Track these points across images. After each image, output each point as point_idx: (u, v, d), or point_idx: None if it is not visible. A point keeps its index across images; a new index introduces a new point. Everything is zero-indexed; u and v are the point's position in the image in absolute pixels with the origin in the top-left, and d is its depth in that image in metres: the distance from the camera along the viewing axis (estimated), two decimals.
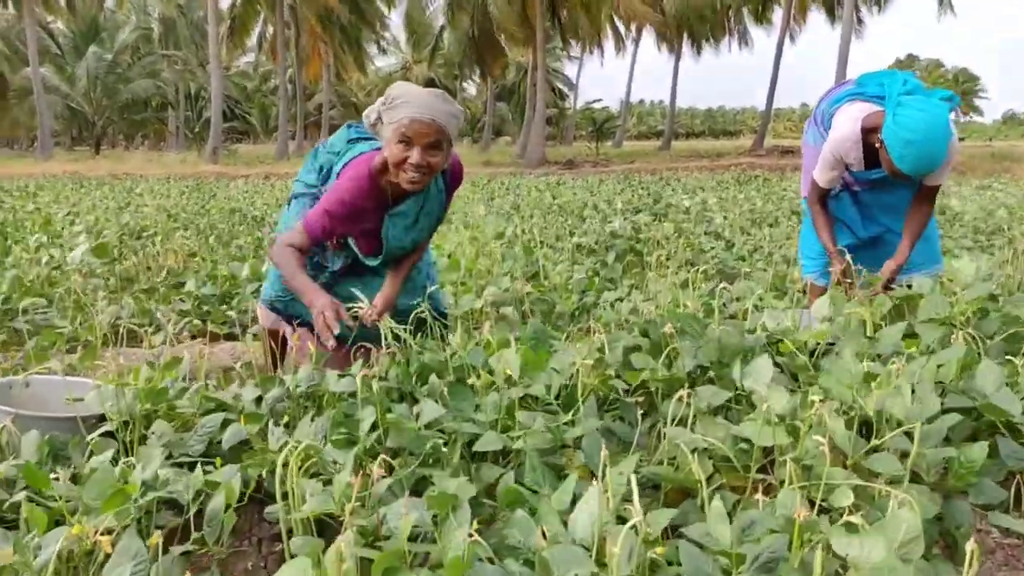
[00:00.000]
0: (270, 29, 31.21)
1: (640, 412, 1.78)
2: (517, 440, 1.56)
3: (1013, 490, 1.58)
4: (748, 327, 2.15)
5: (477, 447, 1.55)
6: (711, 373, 1.93)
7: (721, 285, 3.15)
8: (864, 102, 2.40)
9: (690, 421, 1.68)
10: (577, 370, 1.69)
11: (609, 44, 32.75)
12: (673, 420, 1.68)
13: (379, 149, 2.07)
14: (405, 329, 1.95)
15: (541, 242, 4.81)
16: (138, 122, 37.20)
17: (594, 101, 54.82)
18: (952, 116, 2.32)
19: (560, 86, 57.50)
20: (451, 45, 28.51)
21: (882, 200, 2.53)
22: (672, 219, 6.73)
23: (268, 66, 44.69)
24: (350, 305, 1.99)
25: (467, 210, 6.75)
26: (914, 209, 2.45)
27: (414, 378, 1.90)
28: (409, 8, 43.12)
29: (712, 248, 4.74)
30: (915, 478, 1.58)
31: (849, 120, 2.38)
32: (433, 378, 1.79)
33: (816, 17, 29.40)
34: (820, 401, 1.48)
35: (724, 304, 3.42)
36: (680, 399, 1.67)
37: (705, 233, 5.45)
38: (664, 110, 45.62)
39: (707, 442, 1.55)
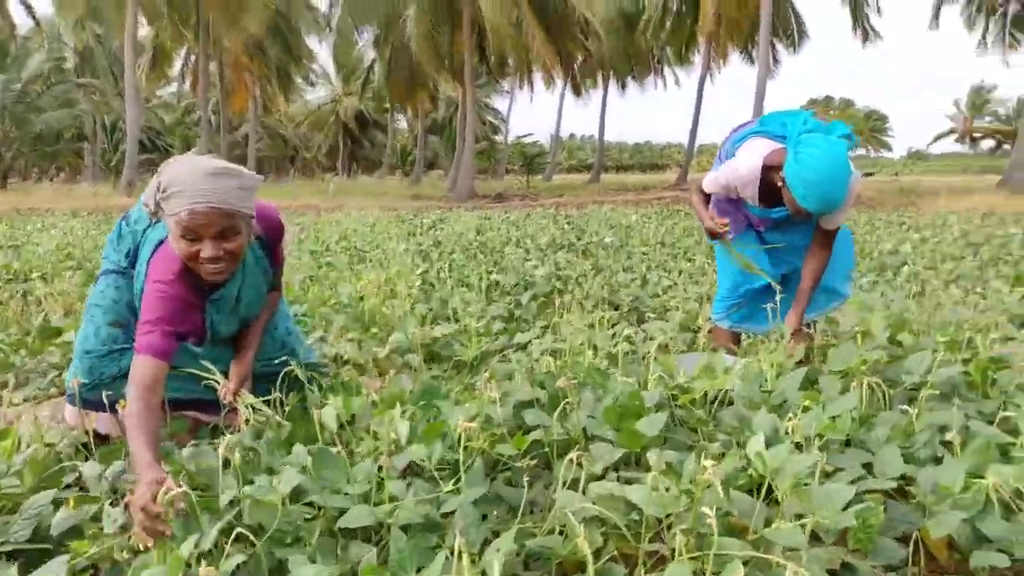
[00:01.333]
0: (194, 59, 30.52)
1: (530, 476, 1.66)
2: (391, 514, 1.41)
3: (912, 547, 1.53)
4: (650, 377, 2.07)
5: (342, 523, 1.39)
6: (608, 429, 1.82)
7: (628, 329, 3.10)
8: (767, 139, 2.39)
9: (582, 484, 1.57)
10: (460, 434, 1.55)
11: (539, 79, 33.29)
12: (564, 483, 1.56)
13: None
14: (268, 394, 1.77)
15: (460, 282, 4.68)
16: (51, 154, 35.54)
17: (525, 135, 55.48)
18: (855, 152, 2.33)
19: (491, 120, 58.15)
20: (380, 78, 28.39)
21: (788, 240, 2.50)
22: (593, 255, 6.72)
23: (192, 97, 43.60)
24: (206, 378, 1.81)
25: (385, 247, 6.57)
26: (812, 253, 2.44)
27: (285, 445, 1.73)
28: (339, 41, 42.99)
29: (630, 285, 4.71)
30: (815, 537, 1.51)
31: (751, 155, 2.36)
32: (298, 446, 1.62)
33: (736, 56, 30.63)
34: (712, 465, 1.39)
35: (632, 351, 3.36)
36: (572, 460, 1.56)
37: (624, 269, 5.43)
38: (595, 144, 46.62)
39: (597, 510, 1.44)
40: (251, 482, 1.49)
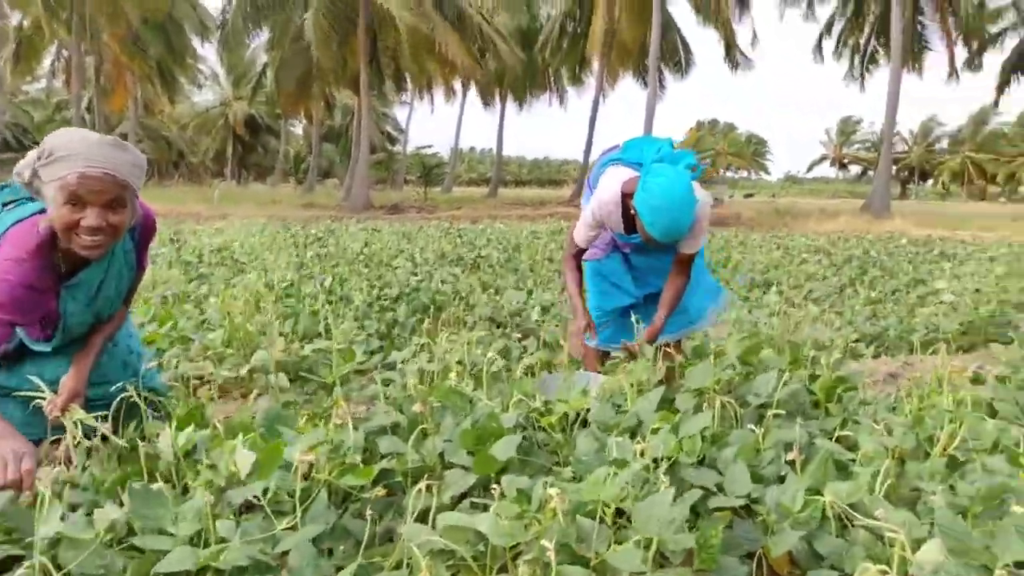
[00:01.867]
0: (67, 53, 28.42)
1: (379, 507, 1.59)
2: (217, 556, 1.31)
3: (755, 564, 1.57)
4: (512, 398, 2.04)
5: (159, 568, 1.27)
6: (465, 454, 1.78)
7: (506, 346, 3.08)
8: (625, 167, 2.44)
9: (432, 514, 1.52)
10: (300, 465, 1.46)
11: (440, 91, 33.25)
12: (414, 513, 1.50)
13: (44, 211, 1.70)
14: (99, 419, 1.62)
15: (339, 296, 4.53)
16: None
17: (425, 146, 55.25)
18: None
19: (390, 130, 57.50)
20: (273, 83, 27.45)
21: (651, 263, 2.57)
22: (481, 270, 6.71)
23: (66, 94, 40.65)
24: (33, 397, 1.63)
25: (265, 259, 6.31)
26: (670, 279, 2.51)
27: (114, 479, 1.58)
28: (230, 43, 41.29)
29: (515, 303, 4.71)
30: (664, 559, 1.52)
31: (611, 183, 2.40)
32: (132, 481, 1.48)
33: (629, 78, 31.74)
34: (558, 493, 1.37)
35: (507, 368, 3.35)
36: (421, 490, 1.50)
37: (512, 287, 5.44)
38: (494, 158, 47.13)
39: (443, 542, 1.39)
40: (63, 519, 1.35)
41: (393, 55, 20.70)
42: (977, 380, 2.77)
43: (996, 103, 30.11)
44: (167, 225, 10.84)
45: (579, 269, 2.64)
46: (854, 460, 1.98)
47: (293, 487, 1.52)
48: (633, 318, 2.41)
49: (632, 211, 2.28)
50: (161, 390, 2.11)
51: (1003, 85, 29.65)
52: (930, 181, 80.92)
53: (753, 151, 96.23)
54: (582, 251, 2.63)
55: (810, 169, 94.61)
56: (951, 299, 5.65)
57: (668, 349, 2.51)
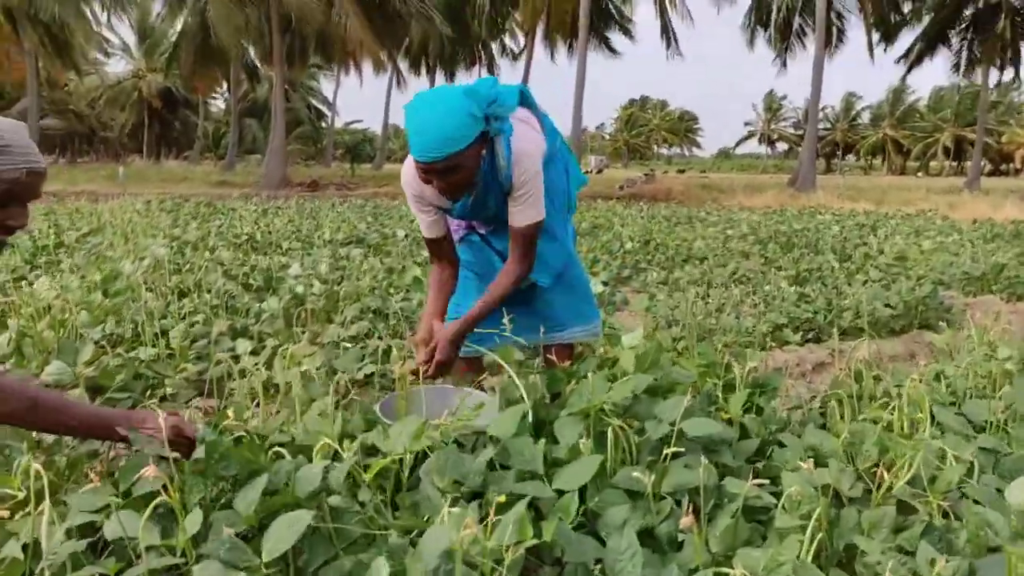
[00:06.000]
0: None
1: None
2: None
3: None
4: (321, 445, 1.51)
5: None
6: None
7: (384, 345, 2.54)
8: None
9: None
10: None
11: (368, 64, 31.92)
12: None
13: None
14: None
15: (195, 286, 3.87)
16: None
17: (354, 121, 53.55)
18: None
19: (318, 104, 55.45)
20: (185, 55, 25.70)
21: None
22: (385, 250, 6.13)
23: None
24: None
25: (142, 244, 5.55)
26: (506, 264, 2.00)
27: None
28: (140, 12, 38.86)
29: (406, 293, 4.17)
30: None
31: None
32: None
33: (563, 51, 31.14)
34: None
35: (384, 374, 2.81)
36: None
37: (419, 276, 4.86)
38: None
39: None
40: None
41: (307, 26, 19.47)
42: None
43: (904, 78, 30.94)
44: (54, 207, 9.83)
45: (441, 270, 2.11)
46: (777, 503, 1.53)
47: None
48: (506, 317, 1.91)
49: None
50: None
51: (913, 64, 30.51)
52: (852, 156, 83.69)
53: (685, 128, 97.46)
54: (441, 245, 2.09)
55: (738, 145, 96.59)
56: (878, 276, 5.38)
57: (550, 356, 2.00)
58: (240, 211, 8.47)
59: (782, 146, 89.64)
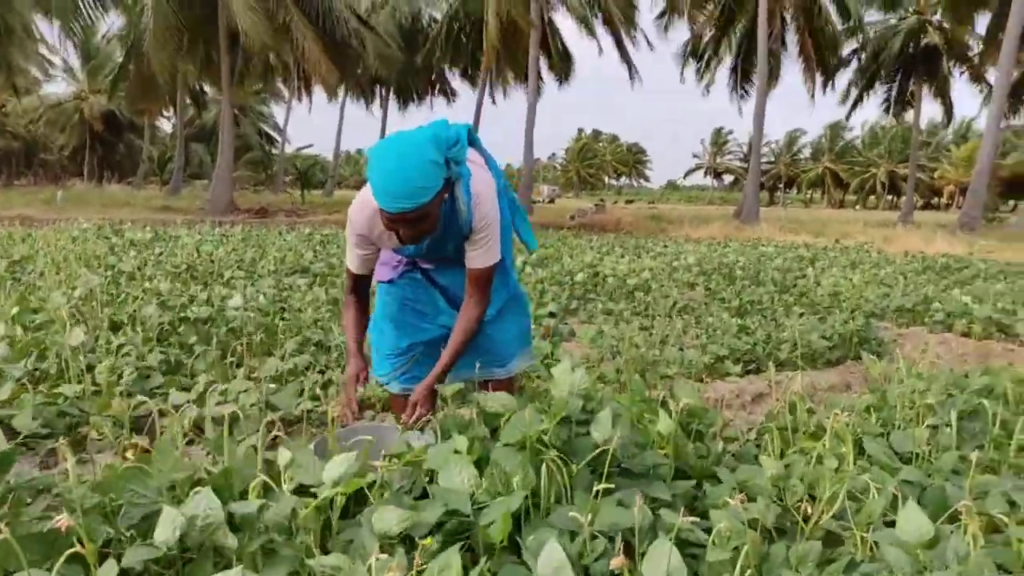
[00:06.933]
0: None
1: None
2: None
3: None
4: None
5: None
6: None
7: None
8: None
9: None
10: None
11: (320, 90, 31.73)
12: None
13: None
14: None
15: (129, 318, 3.74)
16: None
17: (305, 147, 53.07)
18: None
19: (268, 130, 54.81)
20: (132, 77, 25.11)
21: (459, 280, 2.03)
22: (331, 280, 6.05)
23: None
24: None
25: (75, 273, 5.36)
26: (463, 308, 1.99)
27: None
28: (85, 32, 37.95)
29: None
30: None
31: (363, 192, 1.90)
32: None
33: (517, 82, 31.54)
34: None
35: (315, 410, 2.76)
36: None
37: None
38: None
39: None
40: None
41: (258, 50, 19.27)
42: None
43: (847, 117, 32.28)
44: None
45: (359, 304, 2.07)
46: (704, 542, 1.54)
47: None
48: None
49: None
50: None
51: (854, 104, 31.99)
52: (794, 189, 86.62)
53: (635, 160, 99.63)
54: (362, 281, 2.07)
55: (686, 177, 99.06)
56: (815, 309, 5.54)
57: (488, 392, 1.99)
58: (183, 238, 8.26)
59: (728, 178, 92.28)
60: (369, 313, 2.12)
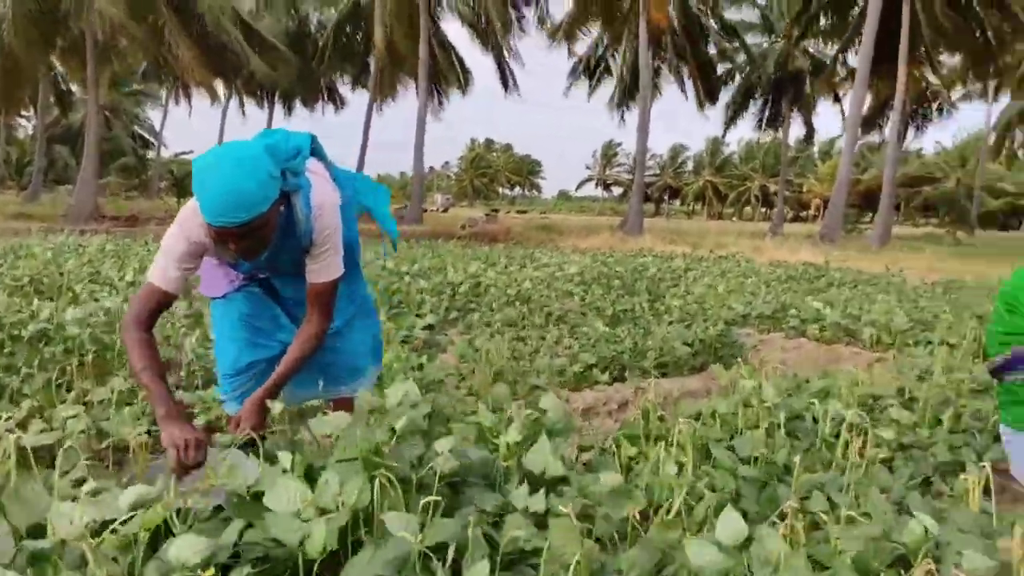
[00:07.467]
0: None
1: None
2: None
3: None
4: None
5: None
6: None
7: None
8: None
9: None
10: None
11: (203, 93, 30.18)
12: None
13: None
14: None
15: None
16: None
17: (184, 153, 50.41)
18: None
19: (144, 133, 51.66)
20: None
21: (302, 292, 1.94)
22: (193, 294, 5.71)
23: None
24: None
25: None
26: (304, 324, 1.91)
27: None
28: None
29: (204, 341, 3.90)
30: None
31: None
32: None
33: (411, 88, 31.33)
34: None
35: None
36: None
37: None
38: None
39: None
40: None
41: (129, 48, 18.14)
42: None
43: (723, 135, 34.26)
44: None
45: (146, 339, 1.76)
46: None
47: None
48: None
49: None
50: None
51: (729, 120, 33.94)
52: (678, 201, 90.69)
53: (528, 170, 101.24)
54: (164, 305, 1.81)
55: (578, 188, 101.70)
56: (681, 316, 5.77)
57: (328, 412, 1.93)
58: (33, 248, 7.60)
59: (618, 190, 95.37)
60: (153, 341, 1.82)
